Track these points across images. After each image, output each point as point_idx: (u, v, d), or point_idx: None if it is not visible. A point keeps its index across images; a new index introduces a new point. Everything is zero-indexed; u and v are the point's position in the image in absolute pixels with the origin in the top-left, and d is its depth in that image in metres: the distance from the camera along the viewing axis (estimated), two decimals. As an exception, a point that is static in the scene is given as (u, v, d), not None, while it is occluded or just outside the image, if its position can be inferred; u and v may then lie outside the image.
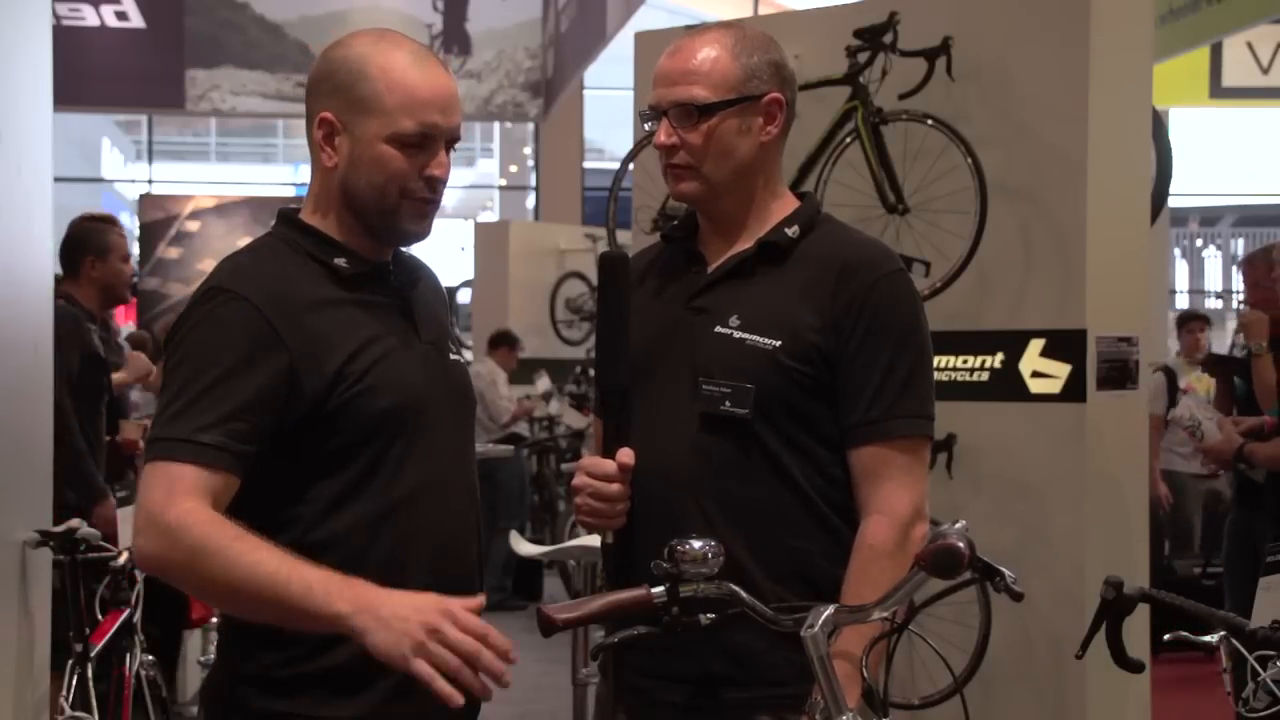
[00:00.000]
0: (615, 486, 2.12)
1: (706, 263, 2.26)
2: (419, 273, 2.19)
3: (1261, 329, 5.05)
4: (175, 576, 1.88)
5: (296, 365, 1.95)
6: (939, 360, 4.12)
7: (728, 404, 2.13)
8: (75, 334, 4.51)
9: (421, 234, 2.08)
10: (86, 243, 4.87)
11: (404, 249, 2.17)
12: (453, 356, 2.16)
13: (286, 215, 2.12)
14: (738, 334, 2.16)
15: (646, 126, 2.26)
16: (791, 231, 2.22)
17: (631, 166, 4.89)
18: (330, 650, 1.96)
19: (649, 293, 2.27)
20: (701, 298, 2.22)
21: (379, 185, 2.02)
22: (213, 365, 1.92)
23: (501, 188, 24.42)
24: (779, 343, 2.14)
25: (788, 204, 2.28)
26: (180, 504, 1.85)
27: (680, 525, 2.02)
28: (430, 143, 2.02)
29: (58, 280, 4.61)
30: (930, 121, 4.06)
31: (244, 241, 2.19)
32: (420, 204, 2.05)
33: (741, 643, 2.08)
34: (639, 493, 2.13)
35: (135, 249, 15.65)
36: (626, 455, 2.12)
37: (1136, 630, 3.42)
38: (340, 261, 2.05)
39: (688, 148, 2.19)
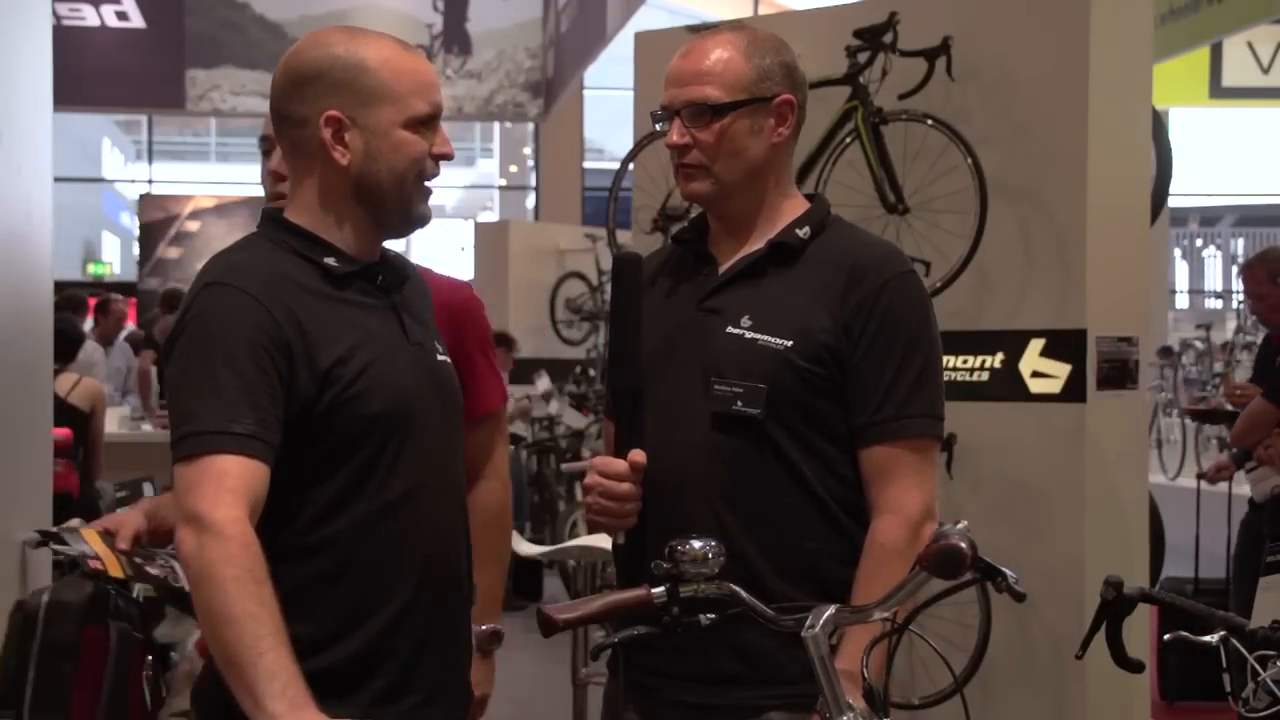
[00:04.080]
0: (626, 486, 2.12)
1: (717, 263, 2.27)
2: (406, 273, 2.19)
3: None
4: (190, 575, 1.86)
5: (295, 358, 1.95)
6: (939, 360, 4.11)
7: (739, 404, 2.14)
8: None
9: (429, 216, 2.12)
10: None
11: (390, 251, 2.17)
12: (439, 357, 2.16)
13: (272, 215, 2.11)
14: (749, 334, 2.17)
15: (658, 127, 2.27)
16: (802, 232, 2.23)
17: (631, 166, 4.89)
18: (321, 652, 1.97)
19: (660, 294, 2.28)
20: (713, 298, 2.23)
21: (400, 171, 2.04)
22: (226, 356, 1.91)
23: (501, 188, 24.42)
24: (790, 343, 2.15)
25: (798, 205, 2.29)
26: (228, 507, 1.83)
27: (691, 525, 2.02)
28: (434, 123, 2.07)
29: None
30: (930, 121, 4.06)
31: (243, 243, 2.19)
32: (428, 185, 2.09)
33: (751, 641, 2.09)
34: (650, 493, 2.14)
35: (136, 249, 15.68)
36: (638, 455, 2.12)
37: (1136, 630, 3.42)
38: (330, 261, 2.05)
39: (700, 147, 2.20)
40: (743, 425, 2.15)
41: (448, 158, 2.09)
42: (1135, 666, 2.37)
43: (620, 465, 2.13)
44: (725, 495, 2.15)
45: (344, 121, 2.02)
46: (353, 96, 2.01)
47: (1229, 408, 5.55)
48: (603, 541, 4.12)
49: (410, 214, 2.08)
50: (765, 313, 2.18)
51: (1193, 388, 13.97)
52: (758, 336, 2.16)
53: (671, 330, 2.22)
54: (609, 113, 17.06)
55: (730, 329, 2.18)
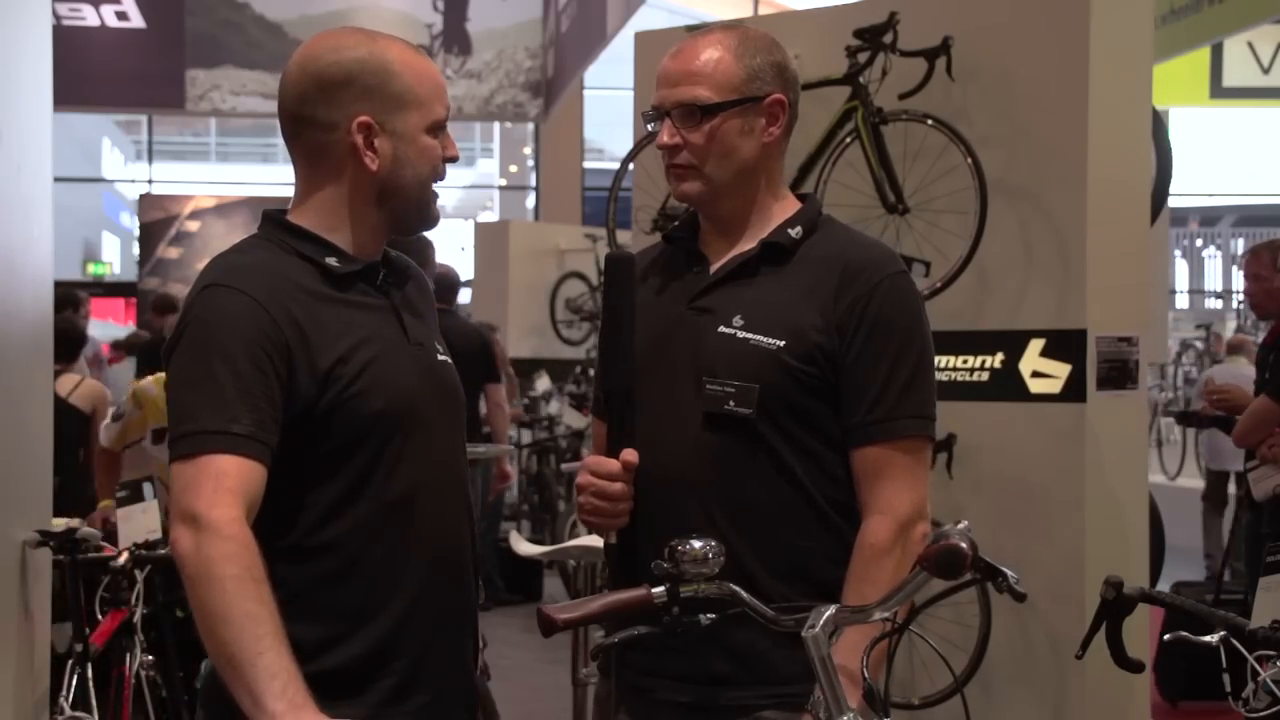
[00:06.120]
0: (618, 486, 2.12)
1: (709, 263, 2.27)
2: (408, 273, 2.20)
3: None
4: (187, 574, 1.85)
5: (294, 360, 1.96)
6: (939, 360, 4.12)
7: (731, 403, 2.14)
8: None
9: (439, 215, 2.15)
10: None
11: (393, 252, 2.18)
12: (440, 357, 2.16)
13: (273, 216, 2.12)
14: (741, 334, 2.17)
15: (649, 127, 2.27)
16: (794, 232, 2.23)
17: (631, 166, 4.89)
18: (328, 652, 1.97)
19: (651, 293, 2.27)
20: (704, 298, 2.23)
21: (424, 176, 2.08)
22: (226, 357, 1.92)
23: (501, 188, 24.43)
24: (782, 342, 2.15)
25: (790, 205, 2.28)
26: (226, 506, 1.84)
27: (683, 525, 2.02)
28: (445, 125, 2.10)
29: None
30: (930, 121, 4.06)
31: (244, 242, 2.19)
32: (437, 188, 2.12)
33: (744, 641, 2.09)
34: (642, 492, 2.14)
35: (136, 249, 15.67)
36: (630, 455, 2.12)
37: (1136, 630, 3.42)
38: (331, 261, 2.05)
39: (690, 148, 2.20)
40: (734, 425, 2.14)
41: (455, 160, 2.12)
42: (1135, 666, 2.37)
43: (612, 465, 2.12)
44: (717, 495, 2.15)
45: (374, 127, 2.03)
46: (382, 102, 2.03)
47: (1217, 413, 5.56)
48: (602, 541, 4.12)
49: (428, 215, 2.12)
50: (757, 312, 2.18)
51: (1194, 388, 13.98)
52: (750, 336, 2.16)
53: (663, 329, 2.22)
54: (609, 113, 17.07)
55: (722, 328, 2.18)
